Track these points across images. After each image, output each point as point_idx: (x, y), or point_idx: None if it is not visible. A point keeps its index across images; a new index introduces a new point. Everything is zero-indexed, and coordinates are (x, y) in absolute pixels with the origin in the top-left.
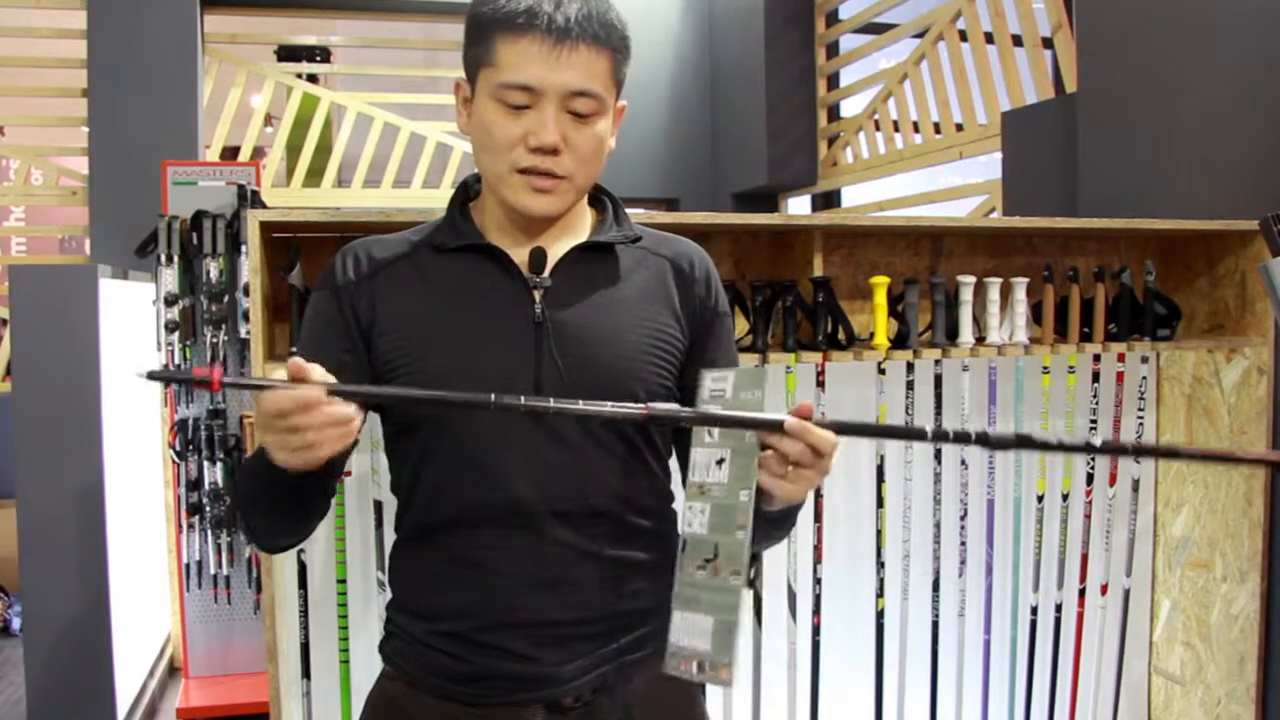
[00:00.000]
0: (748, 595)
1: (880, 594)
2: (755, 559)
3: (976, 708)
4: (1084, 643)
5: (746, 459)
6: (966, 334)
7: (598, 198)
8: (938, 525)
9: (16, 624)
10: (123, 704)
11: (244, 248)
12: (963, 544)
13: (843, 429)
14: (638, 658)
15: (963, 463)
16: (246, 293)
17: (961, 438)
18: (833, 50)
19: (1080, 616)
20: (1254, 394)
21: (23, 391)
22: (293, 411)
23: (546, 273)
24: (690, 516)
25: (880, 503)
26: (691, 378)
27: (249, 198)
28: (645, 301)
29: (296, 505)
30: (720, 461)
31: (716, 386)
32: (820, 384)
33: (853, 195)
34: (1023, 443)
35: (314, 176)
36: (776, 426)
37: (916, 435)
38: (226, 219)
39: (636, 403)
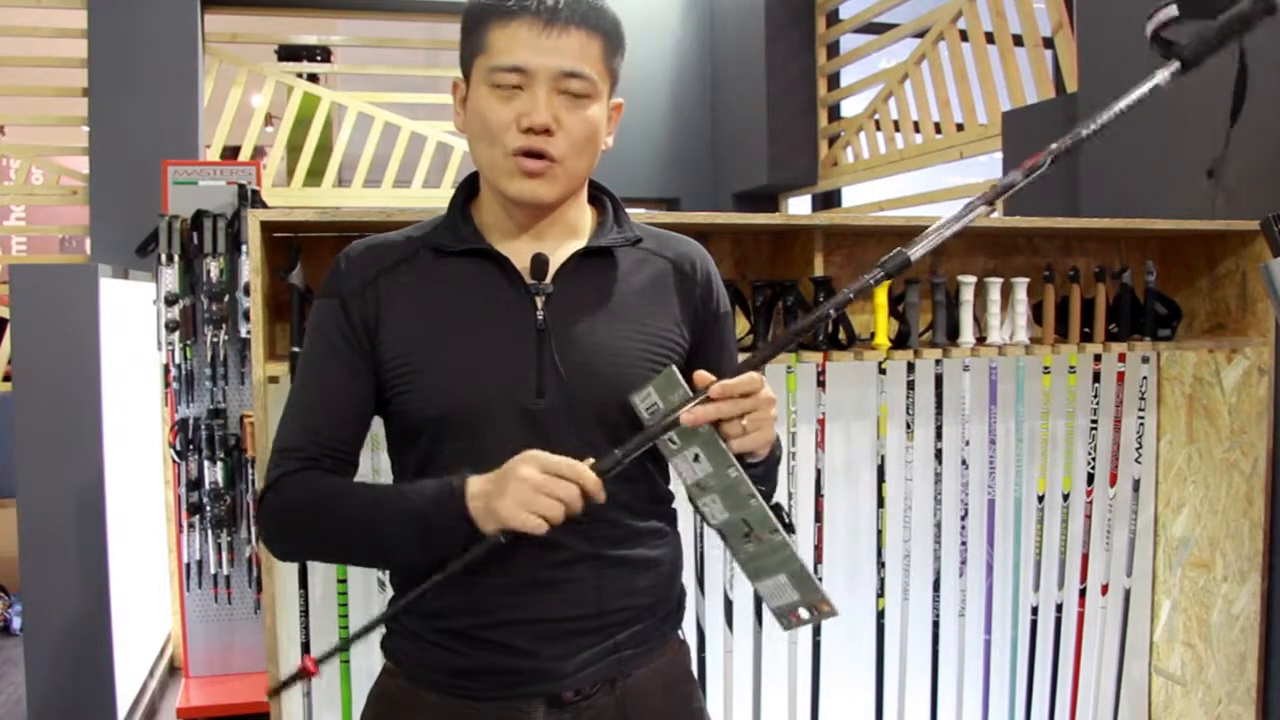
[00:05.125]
0: (793, 539)
1: (880, 594)
2: (778, 509)
3: (977, 708)
4: (1084, 643)
5: (713, 443)
6: (967, 334)
7: (597, 197)
8: (938, 525)
9: (17, 624)
10: (123, 704)
11: (244, 247)
12: (963, 544)
13: (755, 364)
14: (636, 653)
15: (963, 463)
16: (247, 292)
17: (862, 289)
18: (833, 50)
19: (1081, 617)
20: (1255, 394)
21: (23, 391)
22: (569, 479)
23: (548, 278)
24: (710, 512)
25: (881, 503)
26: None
27: (249, 197)
28: (647, 305)
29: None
30: (696, 458)
31: (648, 404)
32: (821, 384)
33: (853, 195)
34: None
35: (314, 176)
36: (703, 404)
37: (820, 319)
38: (227, 219)
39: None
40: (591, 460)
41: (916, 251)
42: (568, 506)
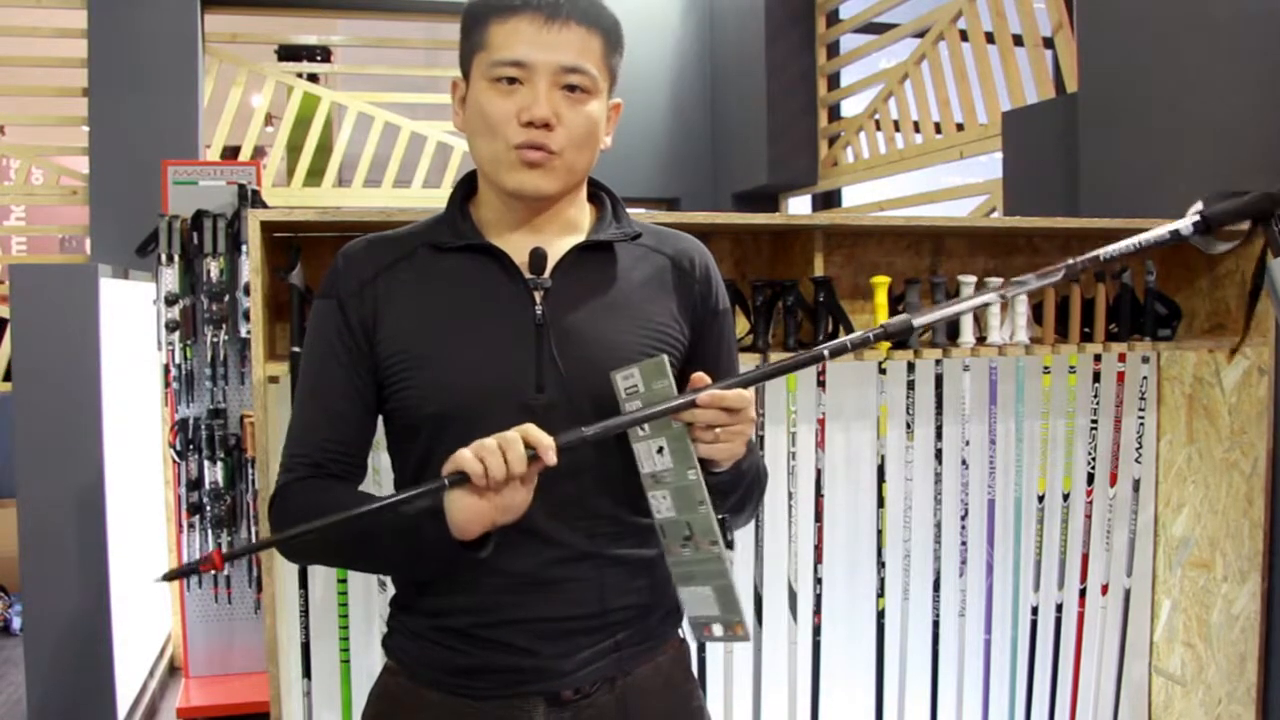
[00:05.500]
0: (731, 556)
1: (880, 594)
2: (724, 522)
3: (977, 708)
4: (1084, 643)
5: (680, 441)
6: (967, 334)
7: (596, 195)
8: (938, 525)
9: (17, 624)
10: (123, 703)
11: (244, 247)
12: (963, 544)
13: (746, 382)
14: (636, 651)
15: (963, 463)
16: (247, 292)
17: (860, 342)
18: (833, 50)
19: (1081, 616)
20: (1255, 394)
21: (23, 391)
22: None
23: (547, 273)
24: (657, 504)
25: (881, 502)
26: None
27: (249, 197)
28: (646, 301)
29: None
30: (660, 450)
31: (629, 384)
32: (821, 384)
33: (853, 195)
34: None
35: (314, 176)
36: (689, 406)
37: (814, 359)
38: (227, 218)
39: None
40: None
41: (921, 320)
42: (506, 453)
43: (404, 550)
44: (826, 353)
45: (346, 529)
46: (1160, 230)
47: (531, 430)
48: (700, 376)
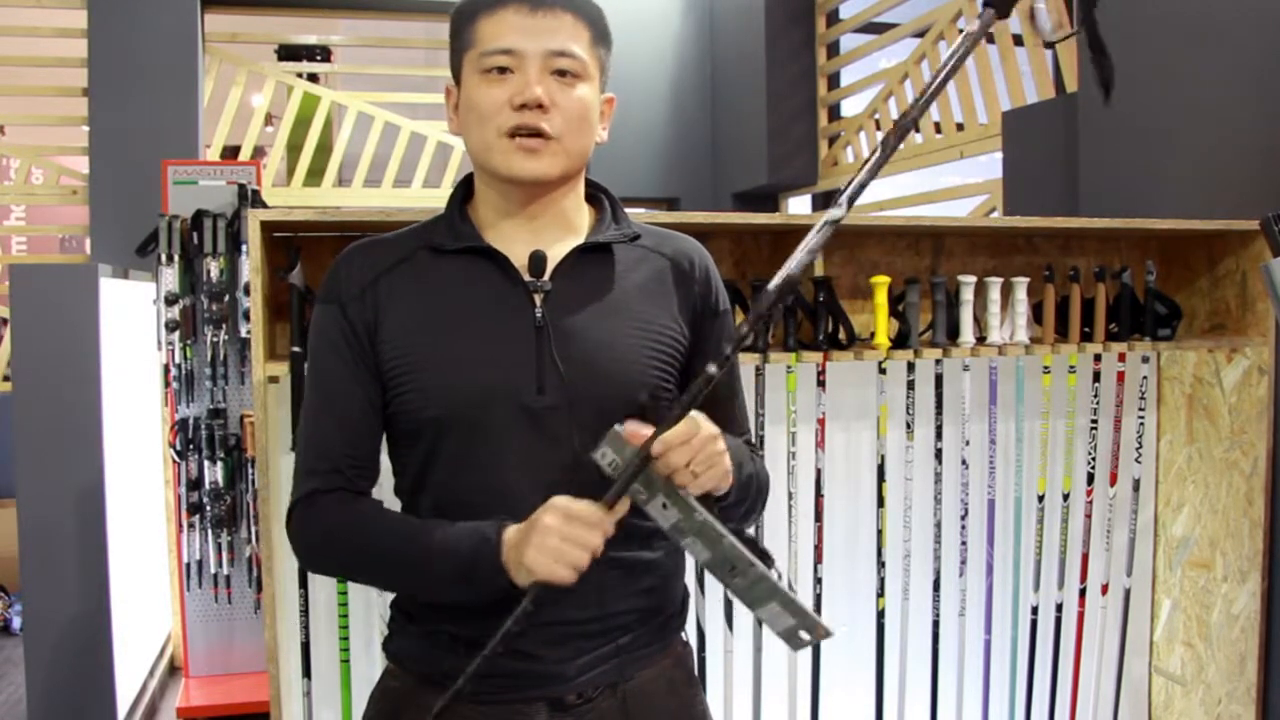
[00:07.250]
0: (774, 571)
1: (880, 594)
2: (753, 543)
3: (977, 708)
4: (1084, 642)
5: (672, 493)
6: (967, 334)
7: (595, 196)
8: (938, 525)
9: (17, 623)
10: (123, 703)
11: (244, 247)
12: (963, 544)
13: (685, 408)
14: (639, 655)
15: (963, 463)
16: (247, 292)
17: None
18: (833, 50)
19: (1081, 616)
20: (1255, 394)
21: (23, 391)
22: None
23: (546, 275)
24: (693, 552)
25: (881, 502)
26: (693, 375)
27: (249, 197)
28: (645, 302)
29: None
30: (665, 505)
31: (607, 461)
32: (821, 384)
33: None
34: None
35: (314, 176)
36: (646, 464)
37: (783, 292)
38: (227, 218)
39: (637, 404)
40: (605, 503)
41: (845, 194)
42: (593, 554)
43: (454, 584)
44: (771, 286)
45: (393, 561)
46: (970, 29)
47: (604, 517)
48: (633, 430)
